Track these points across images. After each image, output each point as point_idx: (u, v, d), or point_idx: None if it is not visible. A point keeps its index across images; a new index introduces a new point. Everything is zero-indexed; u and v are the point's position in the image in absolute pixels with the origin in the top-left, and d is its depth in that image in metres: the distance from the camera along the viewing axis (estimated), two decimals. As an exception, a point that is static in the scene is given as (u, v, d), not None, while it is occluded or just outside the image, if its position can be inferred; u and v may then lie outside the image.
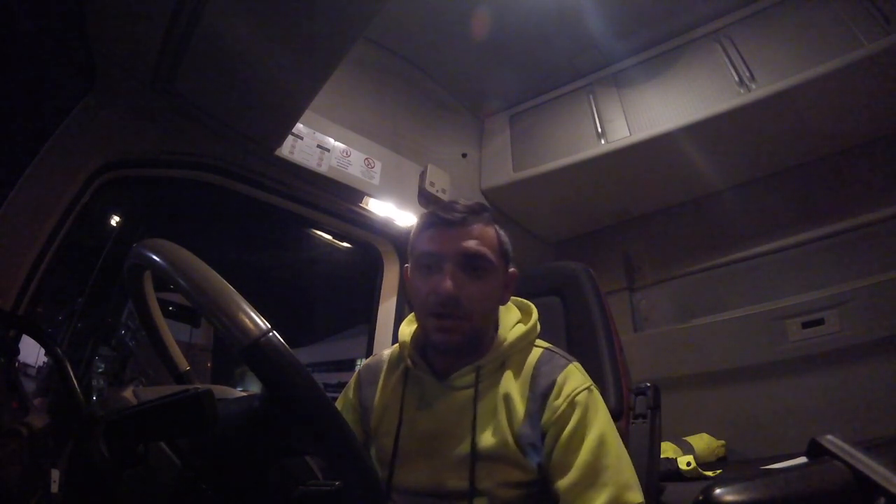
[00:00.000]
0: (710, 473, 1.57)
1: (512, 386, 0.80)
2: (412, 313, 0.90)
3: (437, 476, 0.78)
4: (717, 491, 0.38)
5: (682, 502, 1.23)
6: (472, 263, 0.79)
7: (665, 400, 1.09)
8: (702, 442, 1.78)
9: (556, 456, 0.74)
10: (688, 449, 1.72)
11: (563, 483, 0.72)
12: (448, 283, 0.76)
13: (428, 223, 0.84)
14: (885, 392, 1.64)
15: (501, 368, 0.82)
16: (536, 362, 0.82)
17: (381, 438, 0.85)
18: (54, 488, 0.56)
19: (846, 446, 0.42)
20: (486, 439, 0.77)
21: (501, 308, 0.88)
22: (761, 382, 1.90)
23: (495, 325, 0.86)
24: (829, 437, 0.44)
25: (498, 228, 0.87)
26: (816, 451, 0.43)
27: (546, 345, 0.87)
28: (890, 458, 0.41)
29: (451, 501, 0.76)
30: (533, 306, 0.91)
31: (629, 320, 2.33)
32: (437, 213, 0.83)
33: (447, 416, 0.81)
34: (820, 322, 1.81)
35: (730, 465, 1.75)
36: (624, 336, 1.34)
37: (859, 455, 0.41)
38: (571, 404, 0.75)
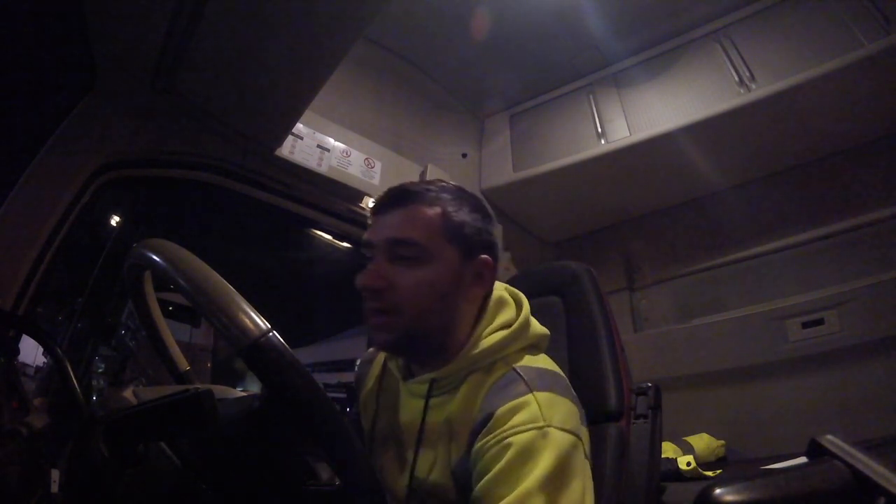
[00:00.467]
0: (710, 473, 1.57)
1: (460, 411, 0.65)
2: None
3: (392, 484, 0.70)
4: (717, 491, 0.38)
5: (683, 502, 1.23)
6: (398, 251, 0.66)
7: (665, 400, 1.09)
8: (702, 442, 1.78)
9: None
10: (688, 449, 1.72)
11: None
12: (368, 274, 0.66)
13: (371, 211, 0.73)
14: (885, 392, 1.63)
15: (461, 384, 0.67)
16: (494, 385, 0.64)
17: (364, 422, 0.80)
18: (54, 488, 0.56)
19: (846, 446, 0.42)
20: (424, 470, 0.65)
21: (492, 306, 0.72)
22: (761, 382, 1.89)
23: (469, 326, 0.70)
24: (829, 437, 0.44)
25: (454, 207, 0.70)
26: (816, 451, 0.43)
27: (526, 363, 0.67)
28: (890, 458, 0.41)
29: None
30: (525, 305, 0.75)
31: (629, 320, 2.33)
32: (375, 202, 0.72)
33: (399, 424, 0.72)
34: (820, 322, 1.80)
35: (730, 465, 1.75)
36: (624, 336, 1.33)
37: (859, 455, 0.41)
38: (503, 445, 0.55)
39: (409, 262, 0.66)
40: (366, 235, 0.70)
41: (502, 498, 0.52)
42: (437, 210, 0.69)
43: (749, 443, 1.84)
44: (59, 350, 0.73)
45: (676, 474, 1.57)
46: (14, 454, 0.53)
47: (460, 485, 0.61)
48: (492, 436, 0.57)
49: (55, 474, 0.57)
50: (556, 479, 0.53)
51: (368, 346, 1.90)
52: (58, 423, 0.64)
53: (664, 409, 1.07)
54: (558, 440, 0.56)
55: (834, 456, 0.42)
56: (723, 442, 1.84)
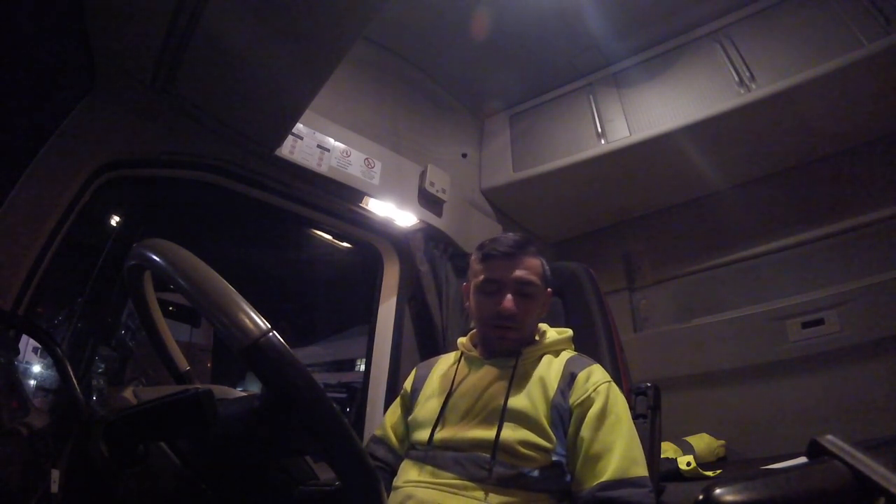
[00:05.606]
0: (710, 473, 1.57)
1: (546, 371, 0.99)
2: (471, 332, 1.14)
3: (472, 430, 0.93)
4: (717, 491, 0.38)
5: (682, 502, 1.23)
6: (523, 289, 1.00)
7: (665, 400, 1.09)
8: (702, 442, 1.78)
9: (582, 432, 0.89)
10: (688, 449, 1.72)
11: (582, 454, 0.87)
12: (510, 304, 0.98)
13: (487, 255, 1.03)
14: (885, 392, 1.64)
15: (538, 360, 1.02)
16: (567, 360, 1.01)
17: (429, 402, 1.04)
18: (54, 488, 0.56)
19: (846, 446, 0.42)
20: (517, 401, 0.93)
21: (542, 327, 1.09)
22: (761, 382, 1.90)
23: (533, 331, 1.08)
24: (829, 437, 0.44)
25: (542, 259, 1.06)
26: (816, 451, 0.43)
27: (576, 353, 1.07)
28: (890, 458, 0.41)
29: (479, 453, 0.89)
30: (569, 331, 1.11)
31: (629, 320, 2.33)
32: (496, 247, 1.03)
33: (488, 381, 0.99)
34: (820, 322, 1.81)
35: (730, 465, 1.75)
36: (624, 336, 1.34)
37: (859, 455, 0.41)
38: (596, 391, 0.92)
39: (528, 297, 1.01)
40: (492, 275, 1.01)
41: (604, 420, 0.88)
42: (539, 261, 1.05)
43: (749, 443, 1.84)
44: (59, 350, 0.73)
45: (676, 474, 1.57)
46: (14, 454, 0.53)
47: (553, 413, 0.92)
48: (588, 384, 0.93)
49: (55, 474, 0.57)
50: (627, 408, 0.94)
51: (368, 349, 1.91)
52: (58, 423, 0.64)
53: (664, 409, 1.07)
54: (616, 388, 0.95)
55: (834, 456, 0.42)
56: (723, 442, 1.84)
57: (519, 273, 1.00)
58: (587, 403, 0.91)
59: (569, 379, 0.95)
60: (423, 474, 0.91)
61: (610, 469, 0.83)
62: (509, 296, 0.99)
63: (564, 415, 0.92)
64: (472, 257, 1.09)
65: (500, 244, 1.03)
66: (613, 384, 0.95)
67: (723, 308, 2.09)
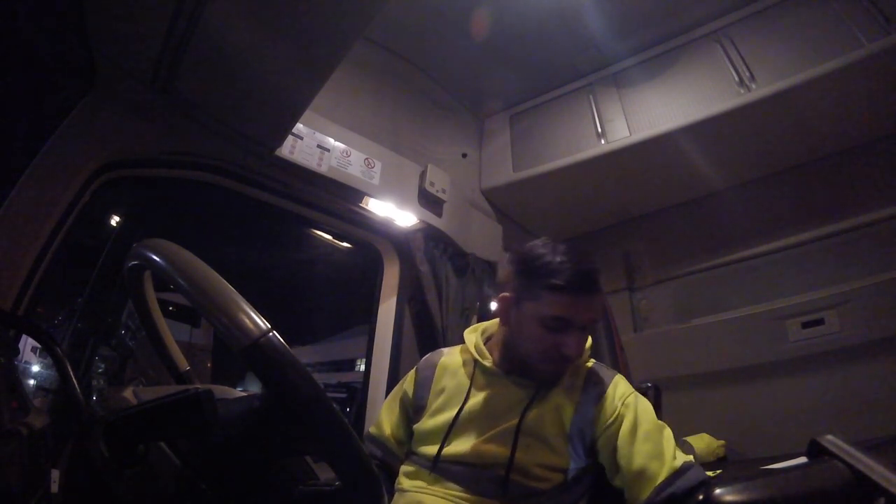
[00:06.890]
0: (710, 473, 1.57)
1: (565, 387, 0.95)
2: (475, 325, 1.08)
3: (484, 447, 0.89)
4: (717, 491, 0.39)
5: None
6: (589, 326, 0.93)
7: (665, 400, 1.09)
8: (702, 442, 1.78)
9: (620, 446, 0.86)
10: (688, 449, 1.72)
11: (630, 464, 0.84)
12: (577, 348, 0.91)
13: (558, 287, 0.89)
14: (885, 392, 1.64)
15: (559, 378, 0.96)
16: (587, 374, 0.97)
17: (438, 415, 0.98)
18: (54, 488, 0.56)
19: (846, 446, 0.42)
20: (534, 420, 0.90)
21: None
22: (761, 382, 1.90)
23: None
24: (829, 437, 0.44)
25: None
26: (816, 451, 0.43)
27: (594, 362, 1.02)
28: (890, 458, 0.41)
29: (492, 470, 0.87)
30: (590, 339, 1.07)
31: (629, 320, 2.33)
32: (571, 282, 0.88)
33: (506, 399, 0.94)
34: (820, 322, 1.81)
35: (730, 465, 1.75)
36: (624, 336, 1.34)
37: (859, 455, 0.41)
38: (625, 405, 0.90)
39: (588, 331, 0.94)
40: (562, 312, 0.89)
41: (638, 430, 0.86)
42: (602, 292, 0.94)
43: (749, 443, 1.84)
44: (59, 350, 0.73)
45: (676, 474, 1.56)
46: (14, 454, 0.53)
47: (572, 432, 0.90)
48: (616, 401, 0.91)
49: (55, 474, 0.57)
50: (654, 414, 0.91)
51: (368, 349, 1.91)
52: (58, 423, 0.64)
53: (664, 409, 1.08)
54: (642, 397, 0.94)
55: (834, 456, 0.42)
56: (723, 442, 1.84)
57: (592, 314, 0.92)
58: (619, 419, 0.88)
59: (594, 394, 0.93)
60: (432, 482, 0.89)
61: (662, 472, 0.81)
62: (577, 336, 0.90)
63: (587, 429, 0.89)
64: (521, 272, 0.94)
65: (575, 277, 0.88)
66: (638, 394, 0.94)
67: (723, 308, 2.09)
